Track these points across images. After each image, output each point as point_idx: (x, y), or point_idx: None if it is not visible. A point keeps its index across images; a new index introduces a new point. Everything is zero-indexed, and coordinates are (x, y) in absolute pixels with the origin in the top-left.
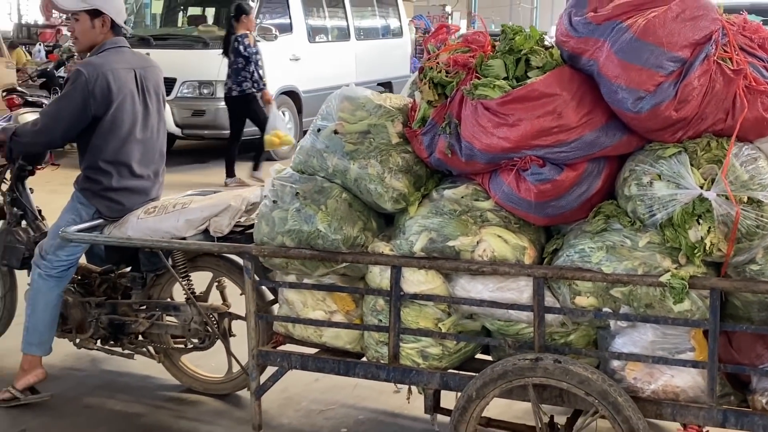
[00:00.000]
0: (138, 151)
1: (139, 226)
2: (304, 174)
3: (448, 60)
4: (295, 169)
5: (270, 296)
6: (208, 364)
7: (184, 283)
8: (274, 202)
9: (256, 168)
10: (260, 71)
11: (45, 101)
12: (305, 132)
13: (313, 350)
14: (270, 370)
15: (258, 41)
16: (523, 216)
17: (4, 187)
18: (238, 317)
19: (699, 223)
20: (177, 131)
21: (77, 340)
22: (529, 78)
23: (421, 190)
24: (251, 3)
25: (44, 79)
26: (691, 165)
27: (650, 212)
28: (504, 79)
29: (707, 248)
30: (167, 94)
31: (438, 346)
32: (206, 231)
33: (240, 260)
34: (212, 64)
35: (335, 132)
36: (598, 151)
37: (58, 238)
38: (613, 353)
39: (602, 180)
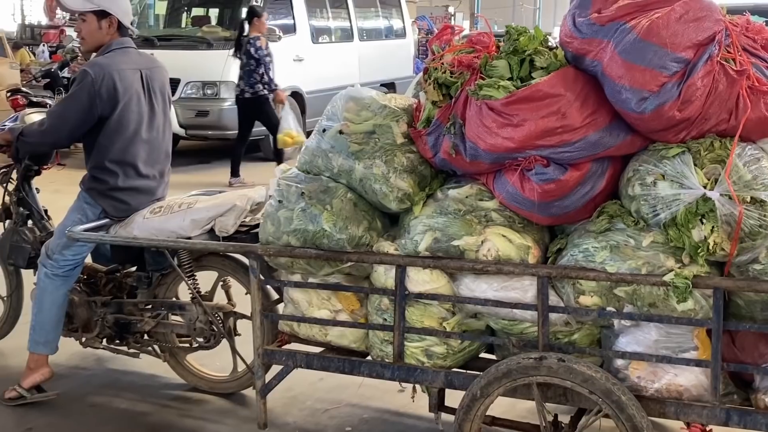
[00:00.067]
0: (144, 151)
1: (145, 226)
2: (310, 174)
3: (453, 60)
4: (300, 169)
5: (275, 295)
6: (214, 363)
7: (189, 282)
8: (280, 201)
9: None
10: (271, 73)
11: (49, 101)
12: (309, 132)
13: (318, 349)
14: (275, 369)
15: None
16: (528, 216)
17: (11, 186)
18: (243, 316)
19: (702, 223)
20: (181, 131)
21: (83, 339)
22: (534, 78)
23: (426, 190)
24: (254, 2)
25: (48, 80)
26: (695, 165)
27: (654, 212)
28: (508, 79)
29: (710, 248)
30: (171, 95)
31: (442, 345)
32: (211, 231)
33: (245, 260)
34: (216, 65)
35: (340, 132)
36: (602, 151)
37: (64, 237)
38: (616, 352)
39: (606, 180)
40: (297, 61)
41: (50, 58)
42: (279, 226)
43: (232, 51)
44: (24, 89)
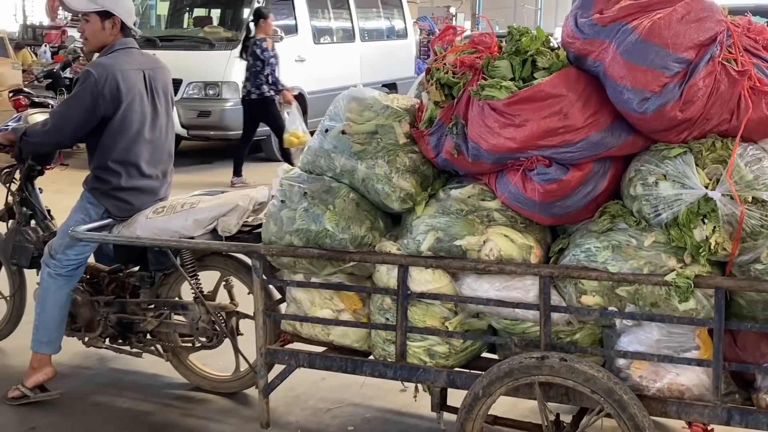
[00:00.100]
0: (147, 151)
1: (147, 226)
2: (312, 174)
3: (455, 61)
4: (303, 169)
5: (277, 295)
6: (216, 362)
7: (192, 282)
8: (283, 201)
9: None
10: (277, 74)
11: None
12: (312, 133)
13: (320, 349)
14: (277, 369)
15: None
16: (530, 216)
17: (14, 186)
18: (246, 316)
19: (704, 223)
20: (182, 132)
21: (86, 339)
22: (536, 79)
23: (428, 190)
24: (257, 4)
25: (50, 80)
26: (696, 165)
27: (656, 212)
28: (510, 80)
29: (712, 248)
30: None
31: (445, 345)
32: (214, 231)
33: (248, 259)
34: (218, 66)
35: (343, 132)
36: (603, 151)
37: (67, 237)
38: (618, 352)
39: (608, 180)
40: (299, 62)
41: (52, 58)
42: (282, 225)
43: (238, 52)
44: (26, 89)
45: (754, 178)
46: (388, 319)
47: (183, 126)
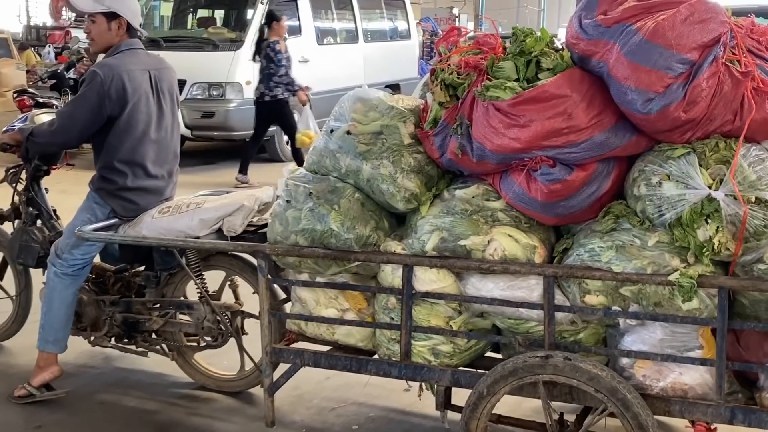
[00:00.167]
0: (152, 151)
1: (153, 226)
2: (318, 174)
3: (460, 62)
4: (308, 169)
5: (282, 295)
6: (221, 362)
7: (197, 281)
8: (288, 201)
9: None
10: (291, 75)
11: (56, 102)
12: None
13: (325, 348)
14: (282, 369)
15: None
16: (534, 215)
17: (20, 186)
18: (251, 315)
19: (707, 223)
20: (186, 132)
21: (92, 338)
22: (540, 80)
23: (433, 190)
24: (260, 5)
25: (54, 81)
26: (700, 165)
27: (659, 212)
28: (515, 80)
29: (715, 247)
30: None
31: (449, 344)
32: (219, 230)
33: (252, 259)
34: (222, 66)
35: (348, 133)
36: (607, 151)
37: (73, 236)
38: (622, 351)
39: (612, 180)
40: (302, 63)
41: (56, 59)
42: (287, 225)
43: (244, 53)
44: (30, 90)
45: (757, 178)
46: (392, 318)
47: (187, 126)
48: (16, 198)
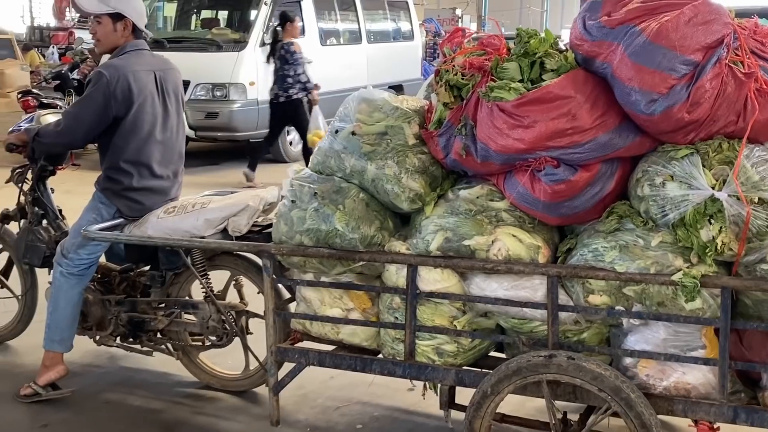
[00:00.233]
0: (158, 151)
1: (159, 226)
2: (322, 174)
3: (464, 63)
4: (313, 169)
5: (287, 294)
6: (226, 361)
7: (203, 281)
8: (293, 201)
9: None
10: (307, 74)
11: (60, 103)
12: None
13: (329, 347)
14: (287, 368)
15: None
16: (538, 216)
17: (26, 186)
18: (256, 315)
19: (710, 223)
20: (190, 133)
21: (97, 337)
22: (544, 81)
23: (437, 190)
24: (264, 6)
25: (58, 81)
26: (703, 166)
27: (663, 212)
28: (519, 81)
29: (718, 248)
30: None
31: (453, 344)
32: (224, 230)
33: (257, 259)
34: (225, 67)
35: (353, 133)
36: (611, 152)
37: (79, 236)
38: (625, 350)
39: (615, 181)
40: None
41: (60, 59)
42: (292, 225)
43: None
44: (35, 91)
45: (760, 179)
46: (397, 318)
47: (191, 127)
48: (22, 198)
